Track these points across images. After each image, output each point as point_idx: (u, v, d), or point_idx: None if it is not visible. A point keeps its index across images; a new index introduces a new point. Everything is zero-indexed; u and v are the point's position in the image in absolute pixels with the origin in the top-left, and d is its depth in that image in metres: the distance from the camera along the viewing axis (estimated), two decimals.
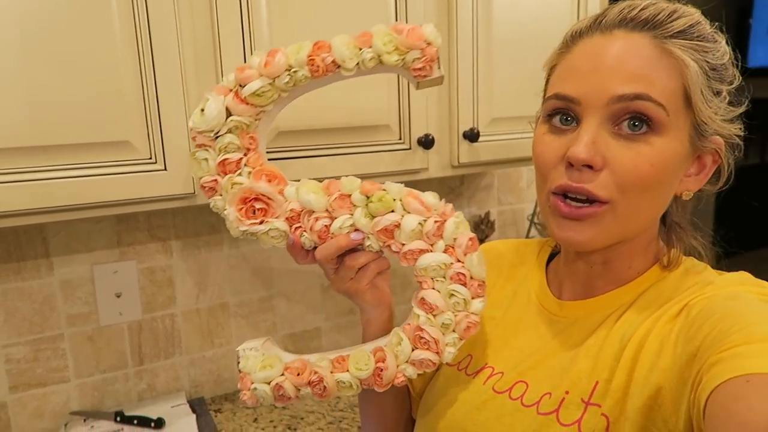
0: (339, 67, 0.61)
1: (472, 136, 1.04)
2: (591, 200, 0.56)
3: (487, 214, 1.47)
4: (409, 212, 0.60)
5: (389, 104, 0.99)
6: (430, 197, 0.61)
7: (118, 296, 1.11)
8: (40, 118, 0.74)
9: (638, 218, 0.58)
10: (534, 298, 0.69)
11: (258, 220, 0.62)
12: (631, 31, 0.55)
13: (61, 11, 0.74)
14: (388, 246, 0.61)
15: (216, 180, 0.63)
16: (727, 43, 0.58)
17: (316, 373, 0.62)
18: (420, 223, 0.60)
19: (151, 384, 1.18)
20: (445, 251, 0.61)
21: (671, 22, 0.55)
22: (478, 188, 1.51)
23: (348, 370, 0.63)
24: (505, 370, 0.65)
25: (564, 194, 0.57)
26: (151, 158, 0.82)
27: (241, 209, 0.62)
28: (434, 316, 0.62)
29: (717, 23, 0.58)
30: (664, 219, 0.63)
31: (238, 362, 0.63)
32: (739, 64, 0.59)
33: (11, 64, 0.72)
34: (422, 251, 0.61)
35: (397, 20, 0.97)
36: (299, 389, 0.62)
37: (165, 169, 0.83)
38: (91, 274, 1.09)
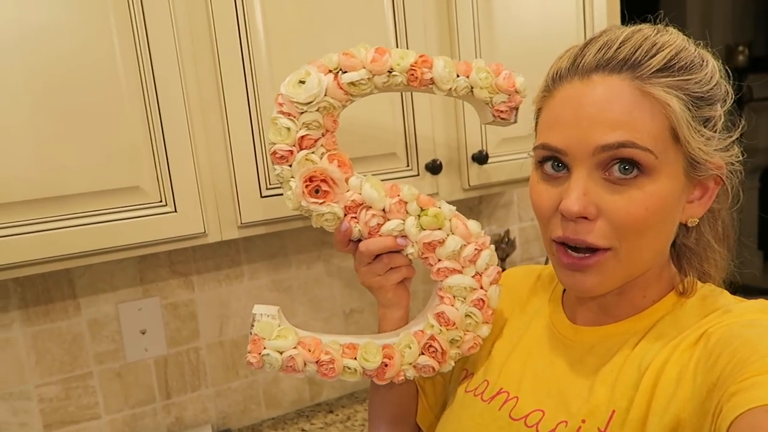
0: (434, 84, 0.66)
1: (481, 158, 1.04)
2: (592, 249, 0.56)
3: (507, 232, 1.45)
4: (453, 234, 0.66)
5: (395, 132, 0.99)
6: (475, 226, 0.67)
7: (143, 333, 1.14)
8: (52, 170, 0.78)
9: (642, 258, 0.57)
10: (549, 323, 0.69)
11: (320, 201, 0.65)
12: (609, 74, 0.54)
13: (68, 64, 0.77)
14: (426, 258, 0.67)
15: (291, 151, 0.64)
16: (715, 57, 0.56)
17: (327, 353, 0.66)
18: (461, 247, 0.66)
19: (180, 417, 1.20)
20: (473, 276, 0.67)
21: (649, 59, 0.53)
22: (498, 206, 1.49)
23: (356, 358, 0.67)
24: (520, 395, 0.64)
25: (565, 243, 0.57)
26: (161, 201, 0.84)
27: (307, 186, 0.65)
28: (447, 330, 0.68)
29: (701, 42, 0.56)
30: (674, 243, 0.61)
31: (253, 324, 0.66)
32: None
33: (21, 120, 0.75)
34: (454, 271, 0.67)
35: (396, 34, 0.97)
36: (306, 364, 0.65)
37: (175, 211, 0.85)
38: (116, 312, 1.12)
